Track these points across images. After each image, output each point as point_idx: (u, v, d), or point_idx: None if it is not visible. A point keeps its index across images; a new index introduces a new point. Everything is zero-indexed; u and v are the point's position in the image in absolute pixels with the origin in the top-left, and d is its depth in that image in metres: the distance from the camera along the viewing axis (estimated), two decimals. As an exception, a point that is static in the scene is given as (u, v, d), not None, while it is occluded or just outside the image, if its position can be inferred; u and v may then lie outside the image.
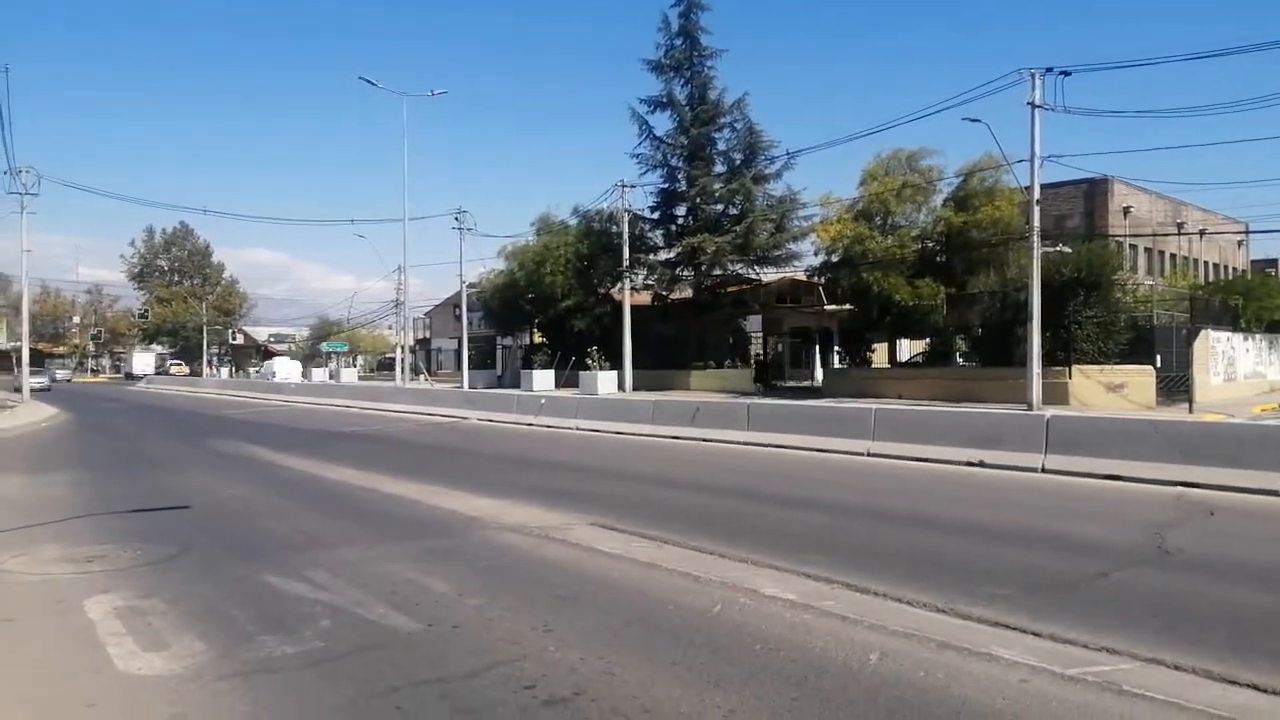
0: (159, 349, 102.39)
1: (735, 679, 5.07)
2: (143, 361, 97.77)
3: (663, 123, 43.87)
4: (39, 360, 74.55)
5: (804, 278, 43.77)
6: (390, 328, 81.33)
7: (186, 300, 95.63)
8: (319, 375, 72.64)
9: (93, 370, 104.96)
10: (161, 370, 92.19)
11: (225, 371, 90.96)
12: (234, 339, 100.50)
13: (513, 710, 4.64)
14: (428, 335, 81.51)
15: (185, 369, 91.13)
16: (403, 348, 62.07)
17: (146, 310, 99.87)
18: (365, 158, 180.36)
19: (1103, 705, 4.64)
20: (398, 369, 61.41)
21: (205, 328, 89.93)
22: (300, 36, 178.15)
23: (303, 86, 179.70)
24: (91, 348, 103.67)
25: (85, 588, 7.27)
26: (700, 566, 7.82)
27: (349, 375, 75.39)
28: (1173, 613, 6.37)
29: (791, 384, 45.41)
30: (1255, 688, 4.87)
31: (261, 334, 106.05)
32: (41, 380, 57.33)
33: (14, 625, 6.36)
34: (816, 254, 40.74)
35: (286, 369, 76.33)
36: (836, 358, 44.80)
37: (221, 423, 29.40)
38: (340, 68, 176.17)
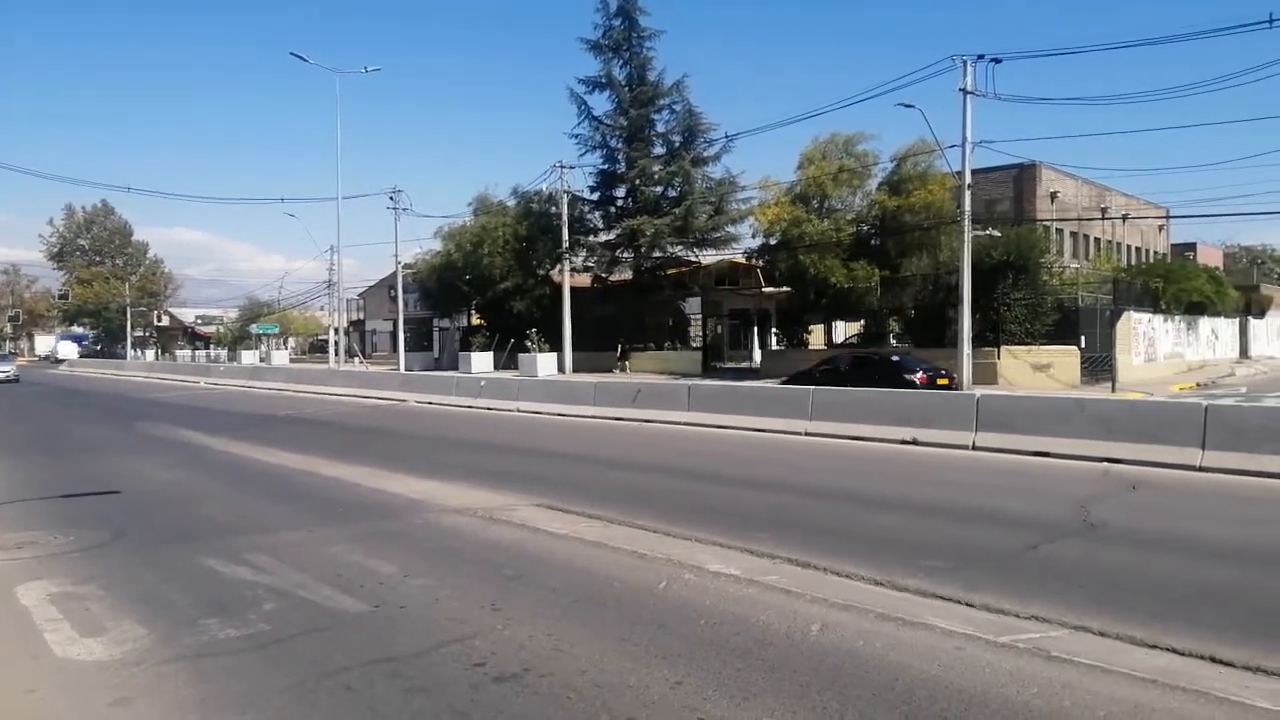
0: (79, 330, 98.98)
1: (681, 652, 5.17)
2: (66, 346, 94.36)
3: (602, 103, 43.75)
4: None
5: (743, 260, 44.10)
6: (323, 309, 79.83)
7: (109, 281, 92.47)
8: (249, 358, 70.99)
9: (10, 353, 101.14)
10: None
11: (150, 354, 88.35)
12: (159, 321, 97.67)
13: (464, 687, 4.67)
14: (362, 317, 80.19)
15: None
16: (336, 329, 61.03)
17: (67, 291, 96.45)
18: (297, 136, 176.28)
19: (1033, 670, 4.85)
20: (331, 351, 60.38)
21: (129, 309, 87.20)
22: (230, 11, 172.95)
23: (231, 62, 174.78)
24: (8, 329, 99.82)
25: (17, 574, 7.09)
26: (645, 544, 7.92)
27: (280, 358, 73.84)
28: (1098, 583, 6.65)
29: (731, 365, 45.80)
30: (1175, 651, 5.14)
31: (188, 315, 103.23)
32: None
33: (-57, 614, 6.18)
34: (755, 237, 41.11)
35: (66, 350, 79.57)
36: (775, 339, 45.30)
37: (150, 406, 28.64)
38: (271, 43, 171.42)
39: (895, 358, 26.94)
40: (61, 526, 9.01)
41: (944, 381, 24.66)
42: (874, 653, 5.16)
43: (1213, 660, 4.98)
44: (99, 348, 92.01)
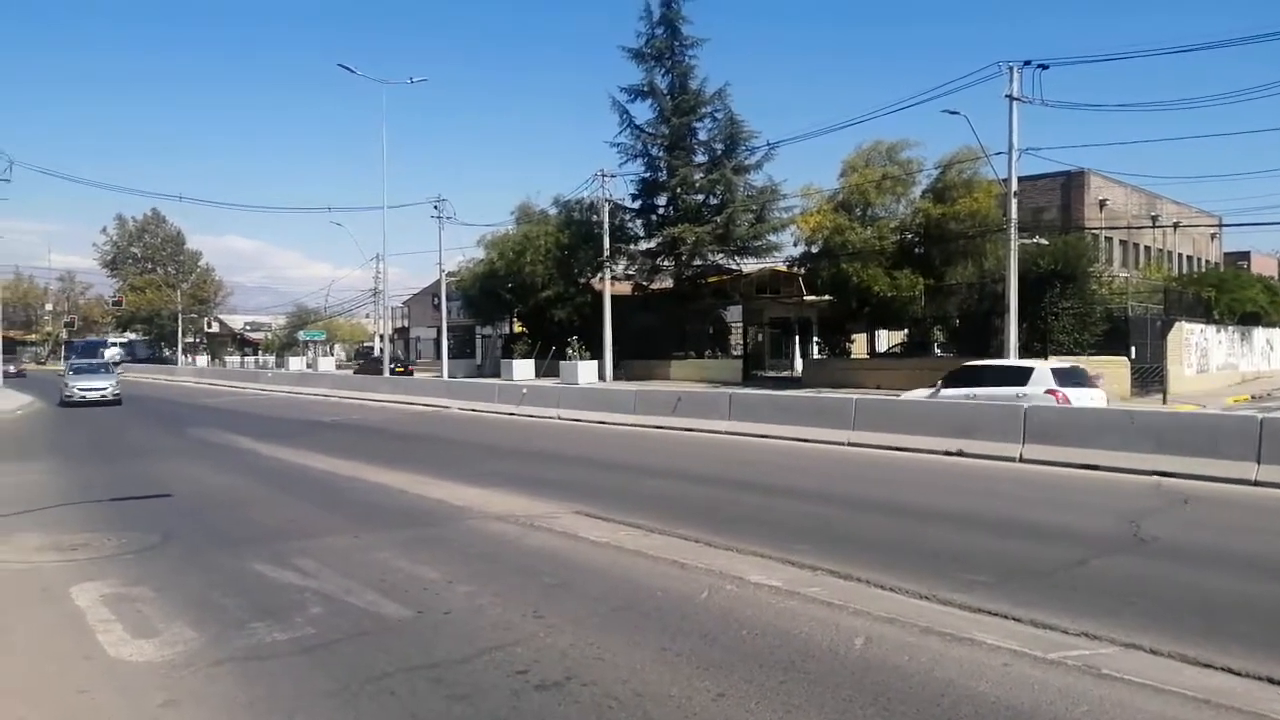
0: (132, 336, 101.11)
1: (723, 664, 5.15)
2: (112, 352, 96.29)
3: (643, 112, 43.94)
4: (10, 348, 73.41)
5: (784, 268, 43.93)
6: (368, 316, 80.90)
7: (161, 288, 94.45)
8: (296, 364, 72.08)
9: (108, 364, 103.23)
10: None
11: (202, 360, 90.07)
12: (209, 327, 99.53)
13: (506, 694, 4.70)
14: (406, 324, 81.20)
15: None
16: (382, 337, 61.76)
17: (120, 298, 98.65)
18: (343, 146, 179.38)
19: (1082, 688, 4.76)
20: (379, 358, 61.10)
21: (180, 316, 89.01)
22: (278, 23, 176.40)
23: (280, 73, 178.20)
24: (64, 335, 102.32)
25: (71, 575, 7.26)
26: (686, 554, 7.90)
27: (327, 364, 74.90)
28: (1149, 599, 6.51)
29: (771, 374, 45.56)
30: (1230, 671, 5.00)
31: (237, 322, 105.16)
32: (11, 368, 55.68)
33: (1, 613, 6.34)
34: (796, 245, 40.94)
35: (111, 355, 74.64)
36: (816, 348, 45.02)
37: (200, 411, 29.21)
38: (319, 55, 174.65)
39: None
40: (114, 529, 9.22)
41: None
42: (919, 668, 5.09)
43: (1270, 681, 4.84)
44: (151, 353, 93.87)
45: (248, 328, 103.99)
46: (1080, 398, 18.04)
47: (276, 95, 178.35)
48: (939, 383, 19.64)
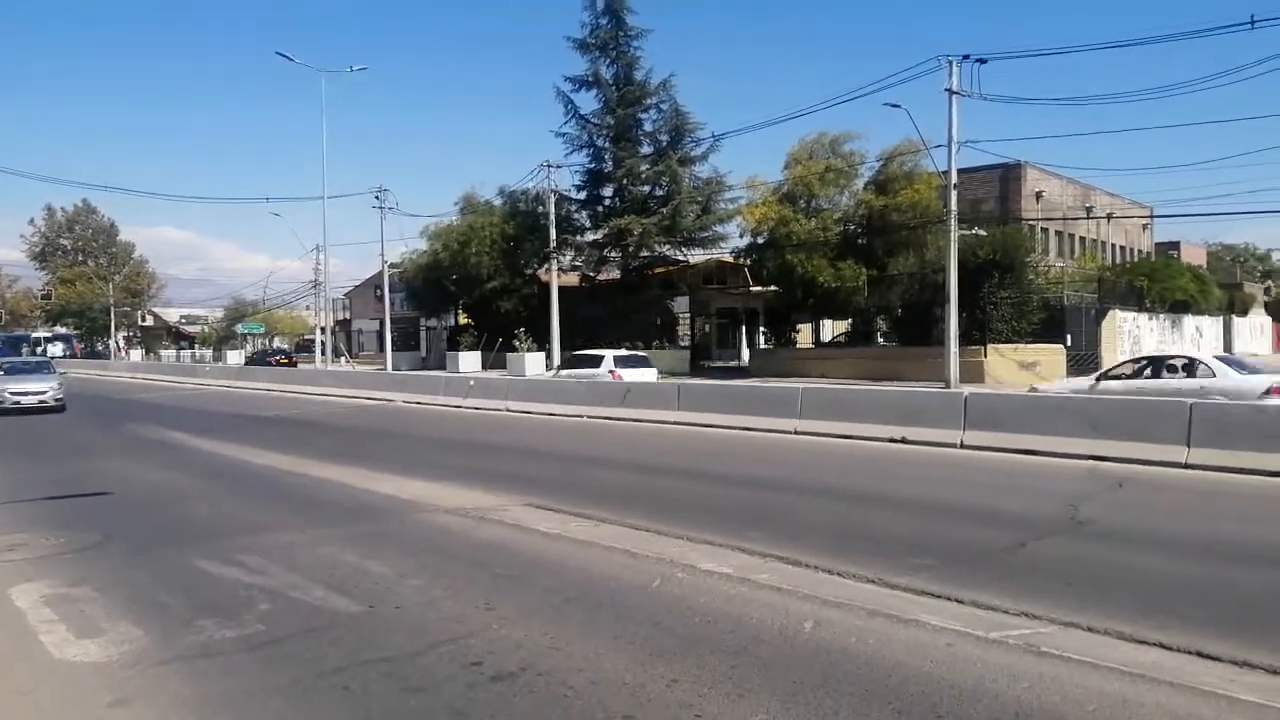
0: (61, 329, 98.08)
1: (676, 650, 5.22)
2: (54, 347, 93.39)
3: (589, 102, 43.78)
4: (-67, 343, 70.79)
5: (730, 259, 44.26)
6: (309, 308, 79.46)
7: (92, 280, 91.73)
8: (234, 358, 70.64)
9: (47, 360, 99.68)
10: None
11: (136, 354, 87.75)
12: (143, 321, 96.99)
13: (461, 686, 4.71)
14: (348, 316, 79.94)
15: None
16: (323, 329, 60.80)
17: (49, 291, 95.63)
18: (282, 136, 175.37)
19: (1024, 666, 4.92)
20: (318, 351, 60.17)
21: (113, 309, 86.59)
22: (214, 11, 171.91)
23: (216, 60, 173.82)
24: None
25: (9, 576, 7.08)
26: (637, 544, 7.96)
27: (295, 359, 73.48)
28: (1086, 580, 6.73)
29: (719, 364, 45.94)
30: (1162, 646, 5.21)
31: (172, 315, 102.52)
32: None
33: (-65, 617, 6.16)
34: (742, 236, 41.28)
35: (54, 351, 73.82)
36: (762, 338, 45.48)
37: (136, 407, 28.51)
38: (256, 43, 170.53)
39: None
40: (52, 529, 8.98)
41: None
42: (866, 649, 5.21)
43: (1199, 655, 5.05)
44: (83, 347, 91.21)
45: (183, 321, 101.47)
46: (632, 375, 25.59)
47: (212, 82, 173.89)
48: (557, 365, 25.74)
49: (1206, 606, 6.02)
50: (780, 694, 4.54)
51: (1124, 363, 21.67)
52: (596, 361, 27.81)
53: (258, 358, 65.42)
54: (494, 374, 35.46)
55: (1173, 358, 19.88)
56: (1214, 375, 17.64)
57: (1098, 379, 19.48)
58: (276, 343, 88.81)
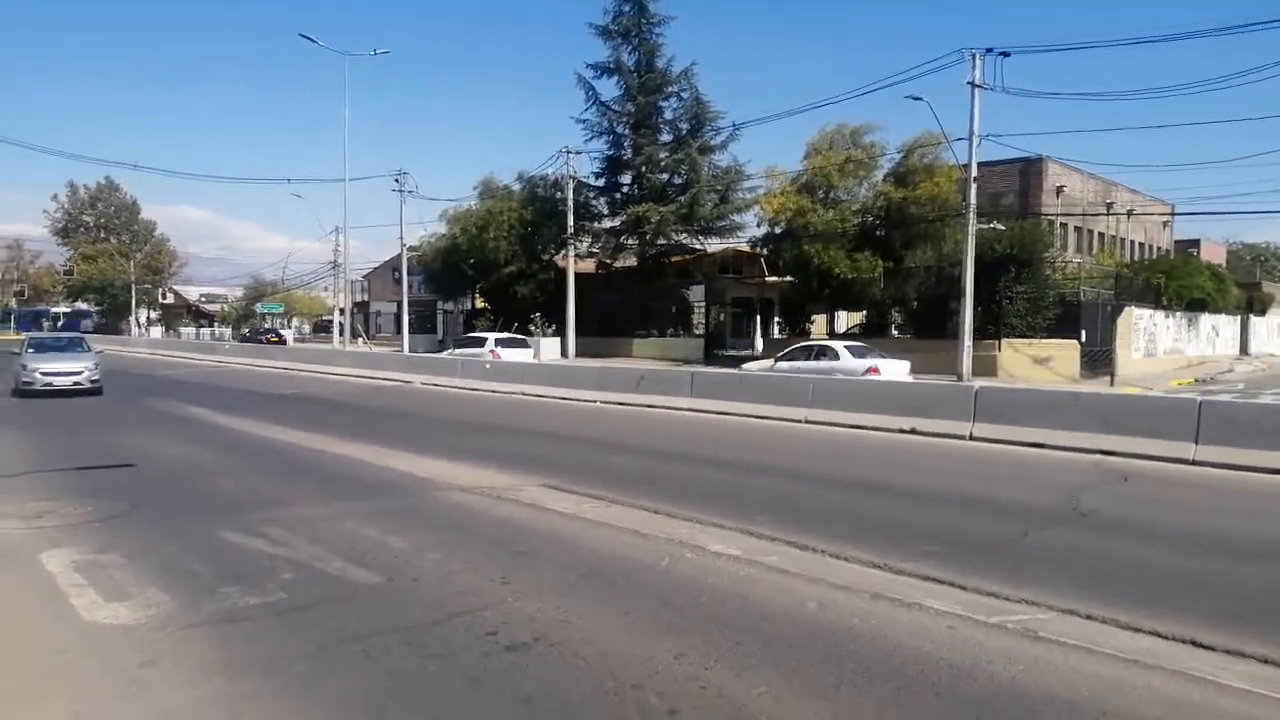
0: (81, 305, 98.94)
1: (683, 626, 5.39)
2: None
3: (609, 89, 43.81)
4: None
5: (747, 249, 44.26)
6: (327, 289, 79.96)
7: (113, 257, 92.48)
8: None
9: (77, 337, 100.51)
10: None
11: (157, 332, 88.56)
12: (164, 298, 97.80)
13: (477, 655, 4.90)
14: (366, 298, 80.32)
15: None
16: (341, 310, 61.16)
17: (71, 267, 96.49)
18: (303, 118, 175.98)
19: (1021, 649, 5.07)
20: (335, 332, 60.55)
21: (134, 286, 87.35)
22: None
23: (240, 42, 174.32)
24: (14, 304, 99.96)
25: (39, 542, 7.32)
26: (648, 525, 8.14)
27: (285, 337, 74.04)
28: (1086, 569, 6.86)
29: (733, 353, 45.98)
30: (1158, 635, 5.35)
31: (192, 293, 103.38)
32: None
33: (-28, 578, 6.41)
34: (759, 226, 41.25)
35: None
36: (777, 328, 45.53)
37: (158, 383, 28.88)
38: (281, 25, 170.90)
39: None
40: (79, 498, 9.24)
41: None
42: (869, 630, 5.38)
43: (1194, 644, 5.18)
44: (104, 322, 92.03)
45: (203, 299, 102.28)
46: (511, 355, 31.11)
47: (235, 65, 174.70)
48: (452, 344, 30.52)
49: (1203, 598, 6.15)
50: (784, 670, 4.71)
51: (796, 348, 26.83)
52: (480, 342, 33.86)
53: (250, 336, 67.91)
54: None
55: (821, 343, 27.52)
56: (839, 358, 24.24)
57: (776, 360, 25.43)
58: (295, 323, 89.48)
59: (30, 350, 23.31)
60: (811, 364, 24.11)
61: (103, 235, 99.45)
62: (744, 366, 26.66)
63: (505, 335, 36.18)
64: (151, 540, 7.48)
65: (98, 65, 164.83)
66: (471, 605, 5.74)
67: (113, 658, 4.90)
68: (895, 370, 23.88)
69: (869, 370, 22.89)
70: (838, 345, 25.95)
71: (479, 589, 6.11)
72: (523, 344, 35.00)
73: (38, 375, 21.62)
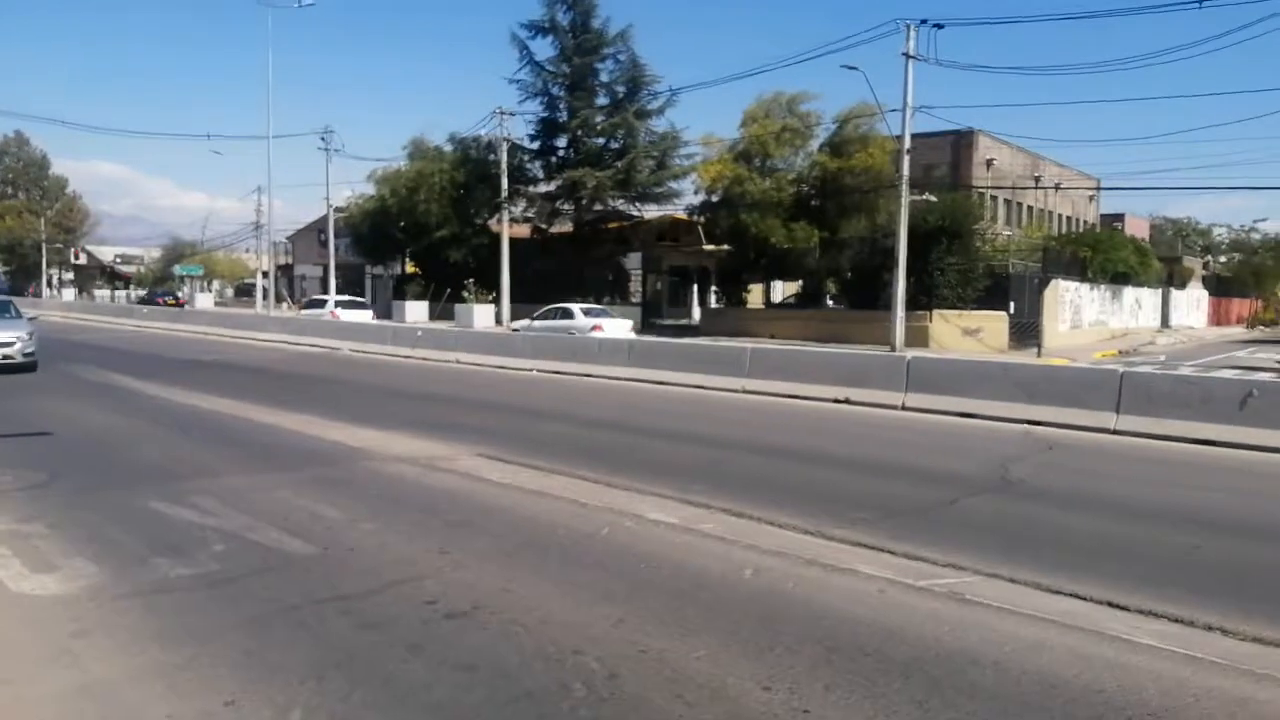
0: None
1: (622, 593, 5.46)
2: None
3: (544, 49, 43.14)
4: None
5: (684, 217, 44.28)
6: (249, 251, 77.81)
7: (22, 215, 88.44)
8: (203, 301, 69.15)
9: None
10: None
11: (69, 294, 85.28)
12: (76, 259, 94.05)
13: (416, 623, 4.89)
14: (290, 261, 78.44)
15: None
16: (265, 274, 59.68)
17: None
18: (223, 70, 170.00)
19: (947, 611, 5.25)
20: (259, 296, 59.09)
21: (44, 246, 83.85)
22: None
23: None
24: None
25: (-45, 513, 7.06)
26: (587, 494, 8.18)
27: (205, 301, 72.07)
28: (1012, 535, 7.12)
29: (670, 322, 46.15)
30: (1077, 596, 5.58)
31: (107, 254, 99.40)
32: None
33: (-117, 551, 6.16)
34: (697, 193, 41.27)
35: None
36: (714, 297, 45.78)
37: (73, 348, 27.82)
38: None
39: None
40: (-5, 467, 8.91)
41: None
42: (802, 594, 5.51)
43: (1110, 605, 5.43)
44: (11, 285, 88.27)
45: (118, 260, 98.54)
46: (350, 316, 35.20)
47: (151, 14, 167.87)
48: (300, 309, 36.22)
49: (1121, 562, 6.43)
50: (721, 633, 4.81)
51: (547, 309, 31.32)
52: (322, 304, 38.44)
53: (147, 298, 67.78)
54: (441, 325, 35.27)
55: (563, 306, 31.15)
56: (574, 317, 29.31)
57: (532, 319, 30.71)
58: (216, 286, 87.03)
59: None
60: (555, 323, 29.52)
61: (10, 191, 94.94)
62: (511, 326, 33.78)
63: (346, 298, 41.24)
64: (75, 511, 7.27)
65: (8, 17, 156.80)
66: (409, 575, 5.72)
67: (43, 628, 4.79)
68: (617, 328, 28.95)
69: (594, 328, 28.03)
70: (574, 307, 30.92)
71: (416, 558, 6.09)
72: (363, 306, 38.79)
73: None
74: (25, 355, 18.45)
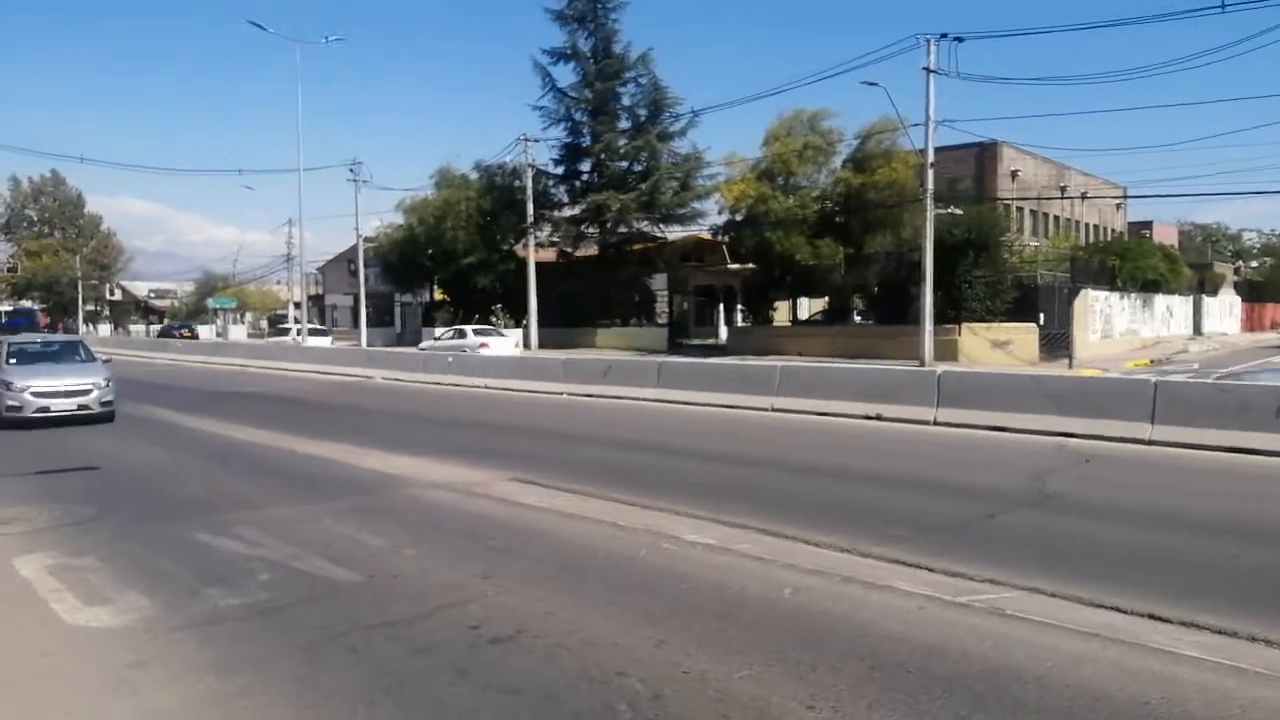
0: (26, 304, 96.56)
1: (663, 614, 5.52)
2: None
3: (566, 76, 43.69)
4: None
5: (708, 237, 44.44)
6: (279, 282, 78.87)
7: (59, 253, 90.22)
8: (205, 333, 70.16)
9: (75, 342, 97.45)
10: None
11: (105, 329, 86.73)
12: (111, 295, 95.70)
13: (462, 648, 4.98)
14: (321, 291, 79.38)
15: None
16: (298, 304, 60.38)
17: (15, 264, 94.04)
18: (252, 106, 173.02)
19: (988, 626, 5.27)
20: (292, 326, 59.80)
21: (80, 282, 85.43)
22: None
23: (188, 29, 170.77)
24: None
25: (10, 548, 7.26)
26: (623, 516, 8.25)
27: (238, 332, 73.22)
28: (1050, 549, 7.10)
29: (696, 342, 46.20)
30: (1117, 610, 5.56)
31: (141, 289, 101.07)
32: None
33: (-55, 585, 6.35)
34: (720, 213, 41.45)
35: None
36: (740, 316, 45.78)
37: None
38: (229, 12, 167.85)
39: None
40: (45, 502, 9.15)
41: None
42: (842, 612, 5.54)
43: (1151, 618, 5.41)
44: (50, 321, 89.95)
45: (152, 295, 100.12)
46: (499, 348, 34.62)
47: (183, 54, 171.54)
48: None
49: (1161, 574, 6.40)
50: (763, 652, 4.85)
51: (450, 330, 37.69)
52: (462, 334, 38.61)
53: (163, 332, 69.74)
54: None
55: (459, 328, 37.63)
56: (466, 336, 35.19)
57: (436, 340, 36.06)
58: (248, 318, 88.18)
59: (11, 361, 16.62)
60: (454, 342, 34.57)
61: (47, 230, 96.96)
62: (420, 346, 37.14)
63: (485, 326, 40.67)
64: (124, 544, 7.45)
65: (41, 56, 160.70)
66: (453, 600, 5.82)
67: (101, 660, 4.92)
68: (502, 345, 35.03)
69: (481, 345, 33.47)
70: (467, 329, 37.13)
71: (459, 584, 6.19)
72: (497, 333, 38.48)
73: (27, 398, 15.40)
74: (103, 405, 16.10)
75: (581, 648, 4.96)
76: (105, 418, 16.08)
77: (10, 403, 15.41)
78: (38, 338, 23.25)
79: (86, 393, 15.95)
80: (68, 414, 15.56)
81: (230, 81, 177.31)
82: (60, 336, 28.44)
